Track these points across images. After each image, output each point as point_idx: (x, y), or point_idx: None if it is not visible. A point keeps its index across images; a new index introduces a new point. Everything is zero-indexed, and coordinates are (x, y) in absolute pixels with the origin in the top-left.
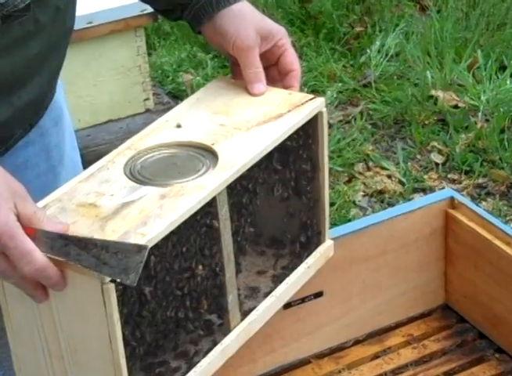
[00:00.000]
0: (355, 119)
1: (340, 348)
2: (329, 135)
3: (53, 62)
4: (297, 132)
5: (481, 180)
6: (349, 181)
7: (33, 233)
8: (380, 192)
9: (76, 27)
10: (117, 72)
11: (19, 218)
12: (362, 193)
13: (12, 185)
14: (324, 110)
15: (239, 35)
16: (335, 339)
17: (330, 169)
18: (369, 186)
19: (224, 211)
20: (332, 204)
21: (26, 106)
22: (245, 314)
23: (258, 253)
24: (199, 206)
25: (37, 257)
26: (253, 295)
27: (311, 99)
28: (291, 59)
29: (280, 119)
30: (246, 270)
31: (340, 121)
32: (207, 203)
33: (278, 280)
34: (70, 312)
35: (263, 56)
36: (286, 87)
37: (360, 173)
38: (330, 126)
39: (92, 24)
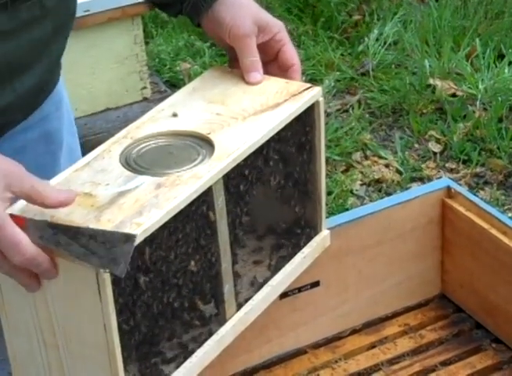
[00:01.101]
0: (353, 108)
1: (337, 337)
2: (326, 123)
3: (55, 47)
4: (293, 121)
5: (478, 169)
6: (347, 170)
7: (22, 222)
8: (378, 181)
9: None
10: (114, 61)
11: (17, 197)
12: (359, 182)
13: (3, 166)
14: (321, 99)
15: (236, 23)
16: (332, 329)
17: (328, 158)
18: (366, 175)
19: (220, 201)
20: (329, 193)
21: (27, 92)
22: (241, 304)
23: (255, 243)
24: (195, 196)
25: (27, 247)
26: (249, 285)
27: (308, 88)
28: (291, 53)
29: (277, 108)
30: (243, 260)
31: (338, 109)
32: (203, 192)
33: (274, 269)
34: (64, 302)
35: (261, 50)
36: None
37: (358, 162)
38: (328, 115)
39: (89, 12)
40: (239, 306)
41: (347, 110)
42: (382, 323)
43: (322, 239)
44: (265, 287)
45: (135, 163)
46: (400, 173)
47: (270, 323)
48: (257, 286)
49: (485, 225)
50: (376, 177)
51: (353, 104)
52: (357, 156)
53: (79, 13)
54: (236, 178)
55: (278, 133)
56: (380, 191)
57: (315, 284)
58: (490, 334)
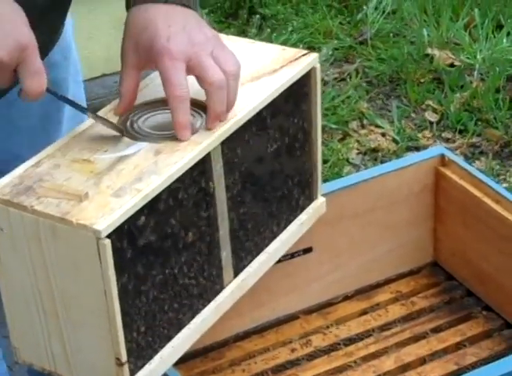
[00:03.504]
0: (351, 76)
1: (329, 303)
2: (323, 92)
3: (54, 14)
4: (290, 88)
5: (474, 139)
6: (343, 138)
7: None
8: (374, 150)
9: None
10: (111, 26)
11: None
12: (355, 151)
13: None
14: (318, 65)
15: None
16: (324, 295)
17: (324, 126)
18: (363, 143)
19: (218, 167)
20: (325, 162)
21: None
22: (238, 271)
23: (252, 210)
24: (194, 162)
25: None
26: (246, 252)
27: (304, 55)
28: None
29: (274, 74)
30: (240, 227)
31: (336, 78)
32: (201, 159)
33: (271, 236)
34: (64, 268)
35: None
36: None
37: (354, 131)
38: (325, 83)
39: None
40: (237, 273)
41: (344, 79)
42: (374, 289)
43: (318, 206)
44: (262, 254)
45: (133, 129)
46: (396, 142)
47: (262, 288)
48: (254, 253)
49: (478, 194)
50: (372, 146)
51: (351, 73)
52: (354, 124)
53: None
54: (234, 145)
55: (275, 99)
56: (375, 160)
57: (308, 250)
58: (481, 301)
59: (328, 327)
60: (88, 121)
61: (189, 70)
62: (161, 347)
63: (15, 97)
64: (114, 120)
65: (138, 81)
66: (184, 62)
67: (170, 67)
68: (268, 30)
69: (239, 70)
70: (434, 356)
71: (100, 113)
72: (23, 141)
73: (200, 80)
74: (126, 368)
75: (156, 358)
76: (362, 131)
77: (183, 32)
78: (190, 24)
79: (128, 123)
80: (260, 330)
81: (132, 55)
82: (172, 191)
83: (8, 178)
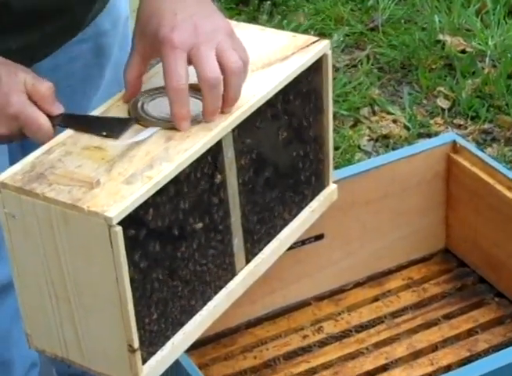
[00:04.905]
0: (362, 63)
1: (340, 290)
2: (335, 78)
3: None
4: (301, 75)
5: (486, 126)
6: (354, 125)
7: None
8: (386, 137)
9: None
10: None
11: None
12: (367, 138)
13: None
14: (329, 52)
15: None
16: (335, 282)
17: (335, 113)
18: (374, 130)
19: (229, 154)
20: (336, 148)
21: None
22: (250, 257)
23: (263, 196)
24: (205, 148)
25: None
26: (258, 239)
27: (315, 42)
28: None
29: (285, 61)
30: (252, 214)
31: (347, 64)
32: (212, 145)
33: (283, 223)
34: (76, 255)
35: None
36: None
37: (366, 117)
38: (337, 70)
39: None
40: (248, 260)
41: (355, 65)
42: (386, 276)
43: (329, 193)
44: (274, 241)
45: (144, 116)
46: (408, 129)
47: (274, 275)
48: (266, 240)
49: (490, 180)
50: (383, 132)
51: (362, 59)
52: (365, 111)
53: None
54: (245, 131)
55: (286, 86)
56: (387, 147)
57: (320, 237)
58: (493, 288)
59: (340, 314)
60: (99, 109)
61: (190, 60)
62: (173, 333)
63: (61, 62)
64: (124, 107)
65: (144, 68)
66: (186, 52)
67: (170, 57)
68: (279, 16)
69: (246, 64)
70: (446, 342)
71: (111, 101)
72: (63, 101)
73: (197, 74)
74: (138, 354)
75: (169, 344)
76: (374, 118)
77: (190, 21)
78: (200, 13)
79: (139, 104)
80: (271, 317)
81: (139, 43)
82: (183, 178)
83: (19, 165)
